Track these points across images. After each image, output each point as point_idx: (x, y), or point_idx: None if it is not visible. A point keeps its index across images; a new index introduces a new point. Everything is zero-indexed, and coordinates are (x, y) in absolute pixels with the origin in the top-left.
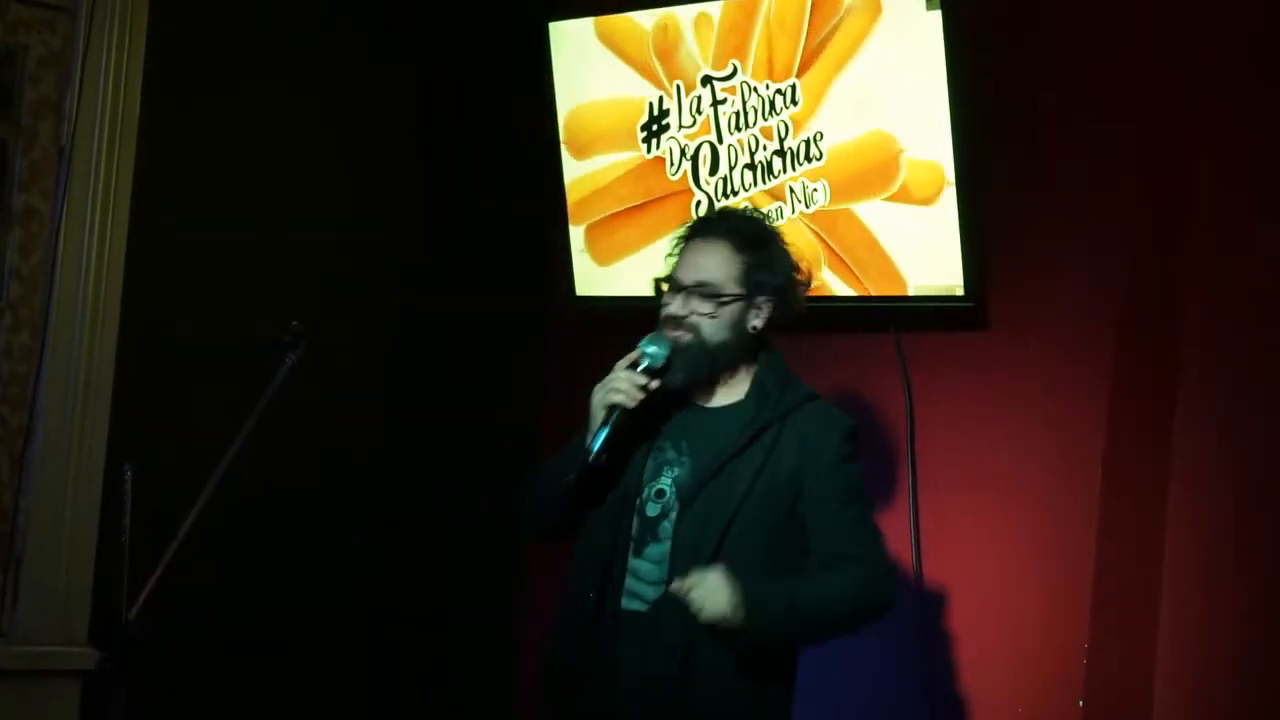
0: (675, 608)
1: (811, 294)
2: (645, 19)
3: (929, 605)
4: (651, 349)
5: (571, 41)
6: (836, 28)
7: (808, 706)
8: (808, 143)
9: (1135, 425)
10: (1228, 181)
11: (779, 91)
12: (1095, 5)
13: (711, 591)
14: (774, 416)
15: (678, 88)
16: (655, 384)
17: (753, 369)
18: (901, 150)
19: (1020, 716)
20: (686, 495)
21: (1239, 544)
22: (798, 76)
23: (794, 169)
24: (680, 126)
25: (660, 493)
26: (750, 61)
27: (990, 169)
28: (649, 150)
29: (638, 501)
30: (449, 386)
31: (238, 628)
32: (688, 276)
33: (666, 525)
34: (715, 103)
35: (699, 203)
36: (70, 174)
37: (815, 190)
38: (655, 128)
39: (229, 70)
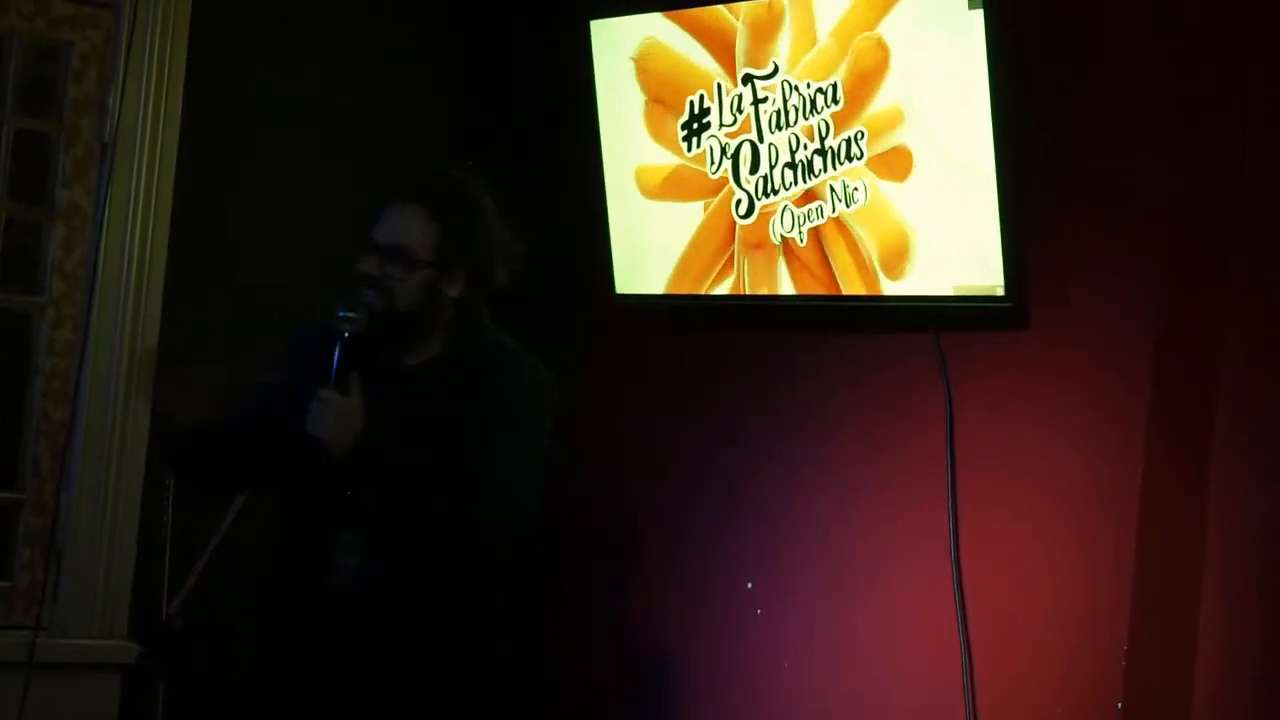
0: (382, 578)
1: (851, 294)
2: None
3: (968, 604)
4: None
5: (613, 38)
6: (878, 26)
7: (843, 703)
8: (848, 141)
9: (1176, 421)
10: (1277, 183)
11: (820, 90)
12: (1140, 3)
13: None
14: (459, 373)
15: (719, 86)
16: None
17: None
18: (942, 147)
19: (1059, 718)
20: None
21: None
22: (839, 75)
23: (834, 168)
24: (721, 125)
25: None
26: (791, 59)
27: (1031, 167)
28: (689, 149)
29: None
30: None
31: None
32: (383, 238)
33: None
34: (756, 101)
35: (739, 201)
36: (113, 169)
37: (855, 189)
38: (695, 126)
39: (270, 65)
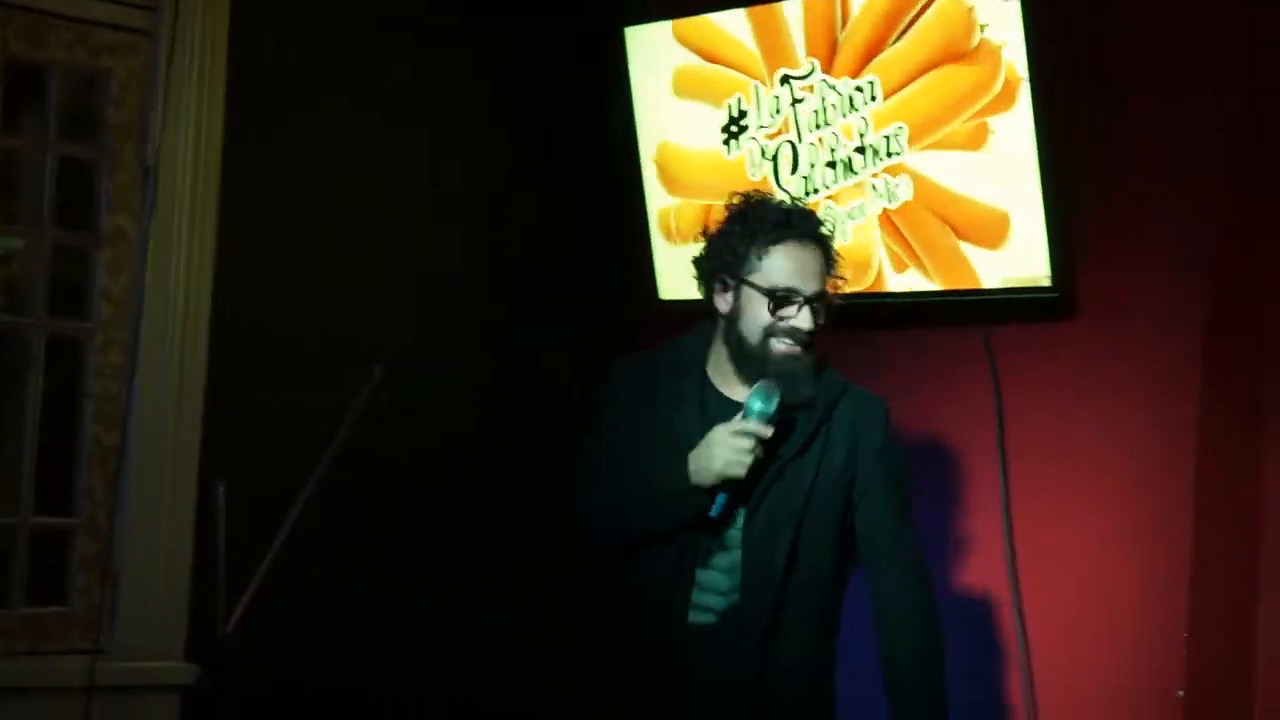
0: (745, 616)
1: (896, 291)
2: (727, 20)
3: (1024, 595)
4: (760, 407)
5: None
6: (914, 20)
7: None
8: (889, 138)
9: (1228, 406)
10: None
11: (857, 88)
12: None
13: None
14: (824, 409)
15: (756, 88)
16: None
17: None
18: (990, 133)
19: (1120, 706)
20: (753, 500)
21: None
22: (876, 72)
23: (875, 164)
24: (760, 127)
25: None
26: (827, 58)
27: (1074, 154)
28: (729, 152)
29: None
30: (535, 389)
31: (333, 643)
32: (809, 287)
33: (734, 533)
34: (794, 101)
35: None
36: (156, 193)
37: (898, 186)
38: (735, 129)
39: (309, 85)
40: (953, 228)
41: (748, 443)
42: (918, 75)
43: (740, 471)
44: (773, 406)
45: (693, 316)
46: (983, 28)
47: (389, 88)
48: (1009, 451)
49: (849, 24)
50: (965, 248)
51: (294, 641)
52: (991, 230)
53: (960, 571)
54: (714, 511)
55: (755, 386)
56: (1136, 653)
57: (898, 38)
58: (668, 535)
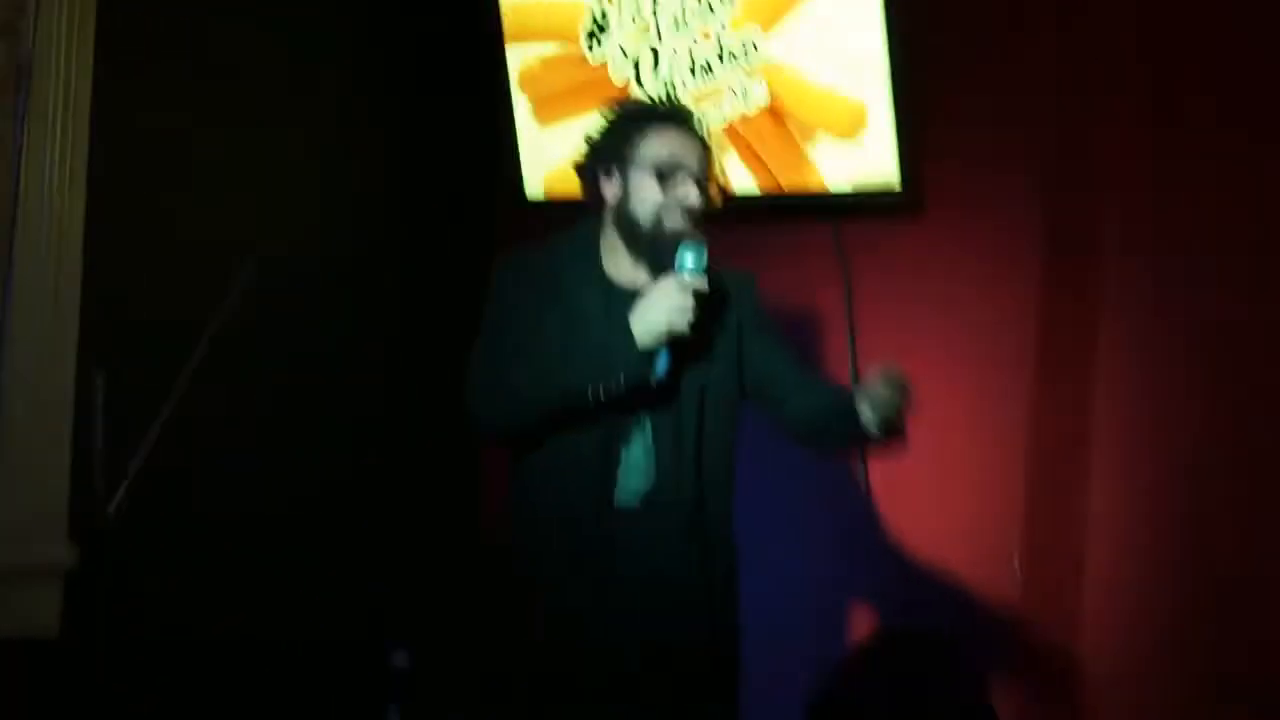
0: (669, 494)
1: (746, 194)
2: None
3: (868, 472)
4: (692, 261)
5: None
6: None
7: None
8: (745, 44)
9: (1066, 293)
10: (1150, 53)
11: None
12: None
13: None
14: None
15: None
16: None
17: None
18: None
19: (957, 577)
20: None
21: (1163, 407)
22: None
23: (732, 69)
24: (621, 29)
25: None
26: None
27: (927, 65)
28: (592, 56)
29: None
30: (407, 287)
31: (214, 532)
32: (691, 163)
33: (642, 414)
34: (654, 5)
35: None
36: (29, 92)
37: (754, 90)
38: (597, 31)
39: None
40: (807, 123)
41: (687, 296)
42: None
43: (684, 324)
44: (704, 260)
45: (561, 219)
46: None
47: None
48: (858, 337)
49: None
50: (816, 151)
51: (174, 527)
52: (846, 122)
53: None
54: (660, 370)
55: (680, 245)
56: (972, 527)
57: None
58: (593, 415)
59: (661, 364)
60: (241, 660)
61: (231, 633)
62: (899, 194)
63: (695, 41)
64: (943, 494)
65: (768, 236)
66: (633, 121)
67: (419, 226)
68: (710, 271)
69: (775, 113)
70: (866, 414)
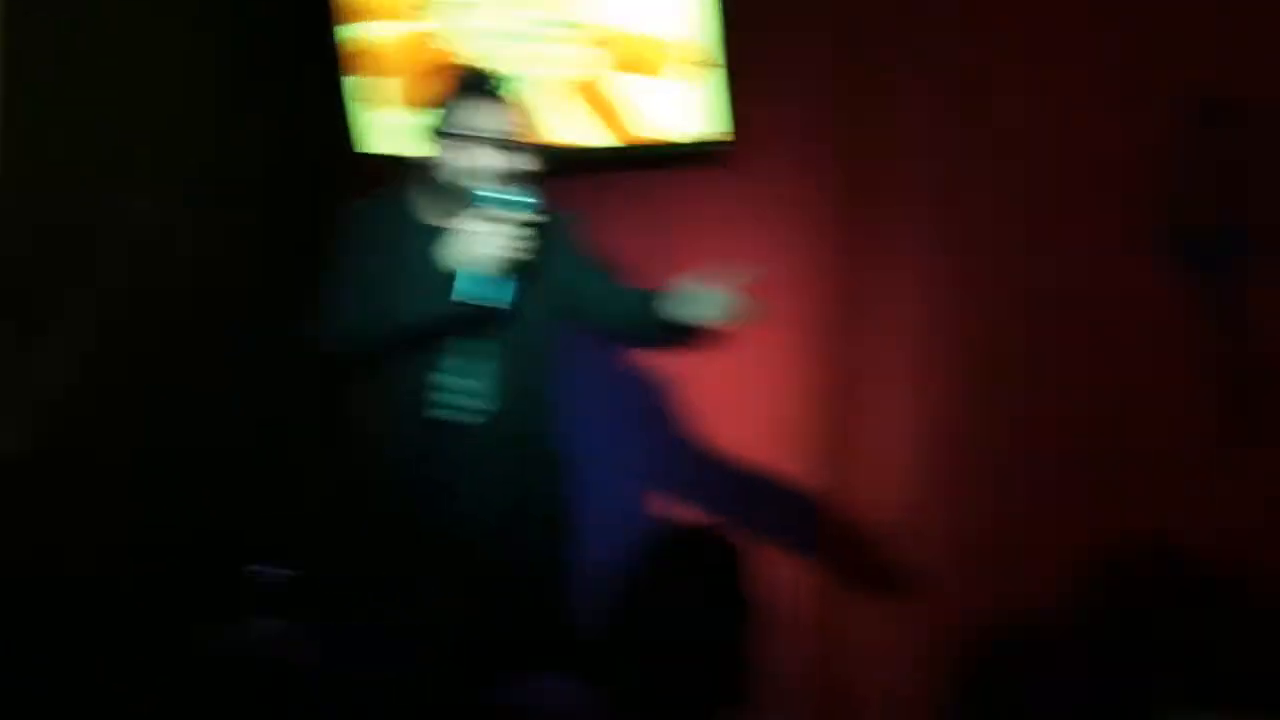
0: (505, 416)
1: (573, 146)
2: None
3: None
4: (508, 204)
5: None
6: None
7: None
8: (568, 9)
9: (856, 242)
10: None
11: None
12: None
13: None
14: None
15: None
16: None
17: None
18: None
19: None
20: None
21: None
22: None
23: (554, 34)
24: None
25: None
26: None
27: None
28: (419, 24)
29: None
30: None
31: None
32: (490, 128)
33: (488, 341)
34: None
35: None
36: None
37: (578, 55)
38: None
39: None
40: (624, 68)
41: (498, 226)
42: None
43: (499, 250)
44: (525, 204)
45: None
46: None
47: None
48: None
49: None
50: (648, 102)
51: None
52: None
53: (632, 386)
54: (504, 297)
55: (485, 192)
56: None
57: None
58: (428, 342)
59: (505, 291)
60: (104, 589)
61: (91, 559)
62: (730, 143)
63: (516, 7)
64: (743, 407)
65: (614, 187)
66: (450, 94)
67: (269, 180)
68: (536, 213)
69: (609, 68)
70: (678, 308)
